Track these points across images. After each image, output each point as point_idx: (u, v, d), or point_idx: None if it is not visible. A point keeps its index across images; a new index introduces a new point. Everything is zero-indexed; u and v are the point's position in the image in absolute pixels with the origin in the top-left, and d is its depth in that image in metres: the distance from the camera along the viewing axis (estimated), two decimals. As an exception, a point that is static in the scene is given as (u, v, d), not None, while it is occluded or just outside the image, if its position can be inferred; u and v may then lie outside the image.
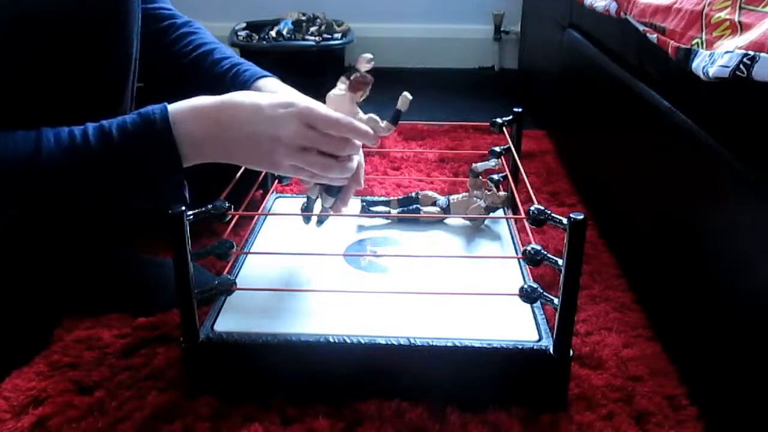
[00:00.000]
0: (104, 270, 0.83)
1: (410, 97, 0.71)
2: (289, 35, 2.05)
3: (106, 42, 0.72)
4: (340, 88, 0.72)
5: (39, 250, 0.79)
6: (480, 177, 0.91)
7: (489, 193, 0.91)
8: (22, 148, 0.63)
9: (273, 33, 2.05)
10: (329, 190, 0.77)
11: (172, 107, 0.67)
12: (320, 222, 0.82)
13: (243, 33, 2.07)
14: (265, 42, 2.02)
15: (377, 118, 0.72)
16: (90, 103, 0.72)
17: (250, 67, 0.90)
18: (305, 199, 0.81)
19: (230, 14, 2.23)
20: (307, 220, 0.81)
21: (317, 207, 0.80)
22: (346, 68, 0.70)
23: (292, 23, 2.09)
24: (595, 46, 1.16)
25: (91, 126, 0.66)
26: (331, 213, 0.79)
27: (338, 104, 0.71)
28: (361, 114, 0.72)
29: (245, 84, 0.86)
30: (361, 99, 0.71)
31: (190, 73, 0.90)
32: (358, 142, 0.71)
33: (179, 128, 0.65)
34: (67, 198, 0.67)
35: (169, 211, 0.60)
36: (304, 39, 2.03)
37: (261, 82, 0.86)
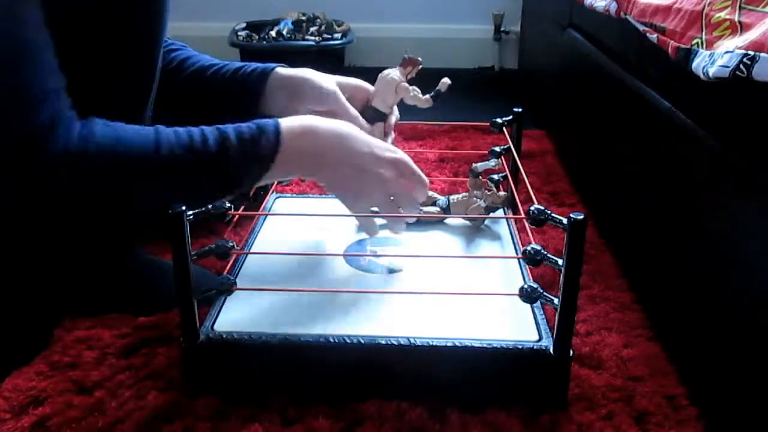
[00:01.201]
0: (104, 270, 0.83)
1: (449, 82, 0.82)
2: (289, 35, 2.05)
3: (143, 40, 0.74)
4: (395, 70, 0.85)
5: (40, 250, 0.79)
6: (480, 177, 0.91)
7: (489, 193, 0.91)
8: (143, 143, 0.65)
9: (273, 33, 2.05)
10: None
11: (285, 123, 0.71)
12: None
13: (243, 33, 2.07)
14: (265, 42, 2.02)
15: (419, 91, 0.81)
16: (120, 101, 0.74)
17: (252, 64, 0.91)
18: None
19: (230, 14, 2.23)
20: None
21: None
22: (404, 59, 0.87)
23: (292, 23, 2.10)
24: (595, 46, 1.16)
25: (207, 129, 0.69)
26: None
27: (389, 74, 0.84)
28: (406, 84, 0.83)
29: (262, 79, 0.87)
30: (408, 77, 0.83)
31: (191, 89, 0.90)
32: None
33: (288, 144, 0.70)
34: (168, 195, 0.68)
35: (169, 211, 0.60)
36: (304, 39, 2.03)
37: (277, 72, 0.88)
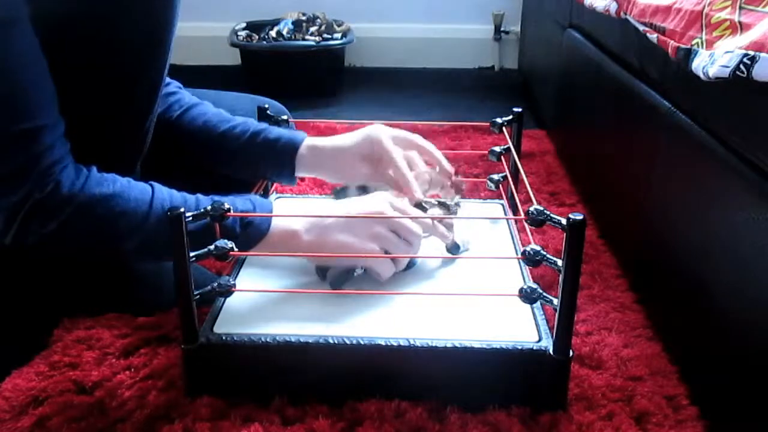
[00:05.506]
0: (104, 270, 0.83)
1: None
2: (289, 35, 2.05)
3: (143, 67, 0.72)
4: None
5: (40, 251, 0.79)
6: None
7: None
8: (137, 205, 0.67)
9: (273, 33, 2.05)
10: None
11: (276, 226, 0.72)
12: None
13: (243, 33, 2.07)
14: (265, 42, 2.02)
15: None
16: (117, 125, 0.73)
17: (270, 129, 0.86)
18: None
19: (230, 14, 2.23)
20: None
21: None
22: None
23: (292, 23, 2.09)
24: (596, 47, 1.16)
25: (202, 200, 0.70)
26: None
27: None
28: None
29: (287, 156, 0.84)
30: (427, 193, 0.83)
31: (200, 147, 0.87)
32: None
33: (269, 241, 0.72)
34: (149, 253, 0.71)
35: (169, 213, 0.60)
36: (304, 39, 2.03)
37: (306, 145, 0.85)
